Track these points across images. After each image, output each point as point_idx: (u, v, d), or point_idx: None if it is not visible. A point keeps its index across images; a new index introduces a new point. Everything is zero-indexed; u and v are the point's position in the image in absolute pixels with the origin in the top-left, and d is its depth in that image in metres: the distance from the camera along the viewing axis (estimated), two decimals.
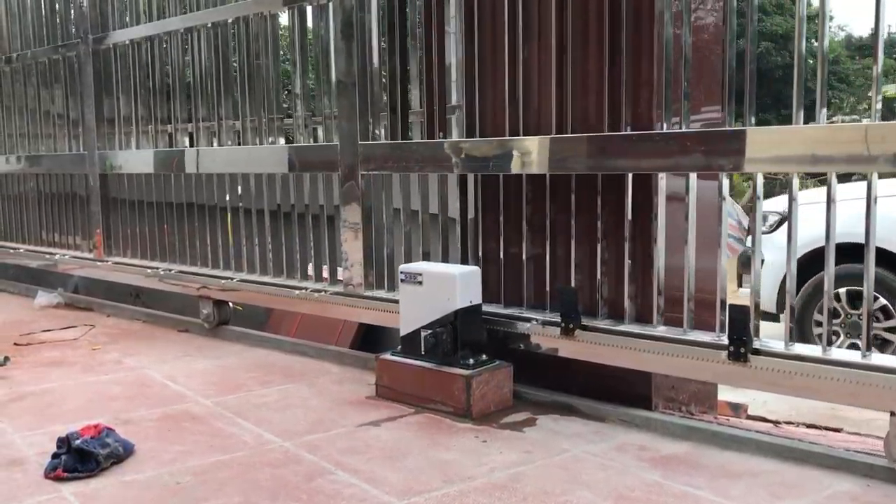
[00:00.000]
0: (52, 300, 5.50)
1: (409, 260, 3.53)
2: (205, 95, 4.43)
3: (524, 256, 3.13)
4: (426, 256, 3.46)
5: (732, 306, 2.58)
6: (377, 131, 3.59)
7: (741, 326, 2.51)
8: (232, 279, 4.31)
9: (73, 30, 5.34)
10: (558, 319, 2.92)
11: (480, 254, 3.30)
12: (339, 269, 3.79)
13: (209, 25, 4.32)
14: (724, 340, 2.55)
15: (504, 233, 3.20)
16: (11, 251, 6.20)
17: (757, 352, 2.49)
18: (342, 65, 3.58)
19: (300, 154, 3.90)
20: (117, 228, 5.18)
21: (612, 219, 2.90)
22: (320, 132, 3.96)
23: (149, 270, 4.80)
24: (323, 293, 3.83)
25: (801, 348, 2.49)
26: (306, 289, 3.91)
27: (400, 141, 3.50)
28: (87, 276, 5.50)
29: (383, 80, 3.59)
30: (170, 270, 4.68)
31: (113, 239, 5.20)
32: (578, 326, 2.87)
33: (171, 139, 4.79)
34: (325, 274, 3.95)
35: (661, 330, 2.77)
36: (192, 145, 4.63)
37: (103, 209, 5.19)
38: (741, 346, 2.50)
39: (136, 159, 4.90)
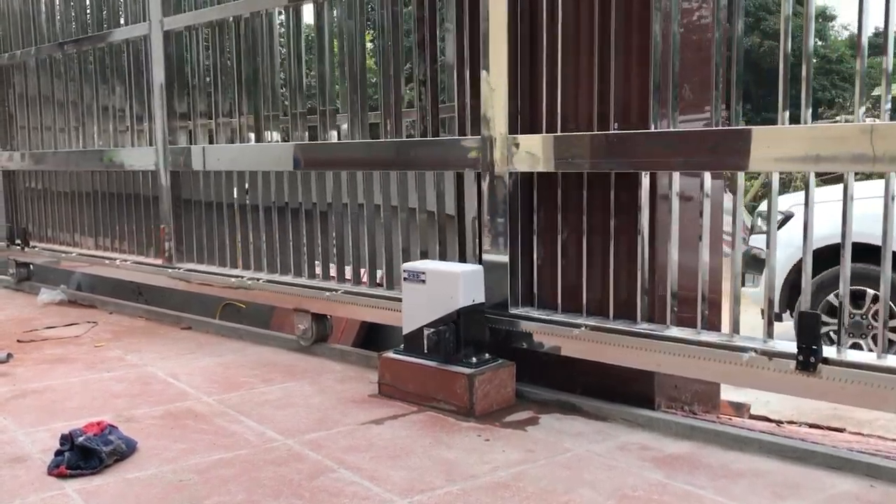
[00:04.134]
0: (55, 297, 5.50)
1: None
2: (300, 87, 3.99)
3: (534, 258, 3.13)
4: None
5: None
6: None
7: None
8: (336, 290, 3.80)
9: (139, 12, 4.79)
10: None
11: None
12: None
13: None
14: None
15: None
16: (64, 255, 5.69)
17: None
18: None
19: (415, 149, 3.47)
20: (190, 231, 4.69)
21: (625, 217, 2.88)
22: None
23: (233, 280, 4.30)
24: None
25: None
26: None
27: None
28: (157, 284, 4.93)
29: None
30: (257, 280, 4.21)
31: (185, 244, 4.72)
32: (821, 360, 2.37)
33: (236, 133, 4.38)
34: None
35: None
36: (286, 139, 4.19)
37: (174, 210, 4.71)
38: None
39: (221, 154, 4.39)
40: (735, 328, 2.64)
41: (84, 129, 5.45)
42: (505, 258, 3.13)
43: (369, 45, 3.80)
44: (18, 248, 6.17)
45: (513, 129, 3.06)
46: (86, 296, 5.62)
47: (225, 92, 4.39)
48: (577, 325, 2.91)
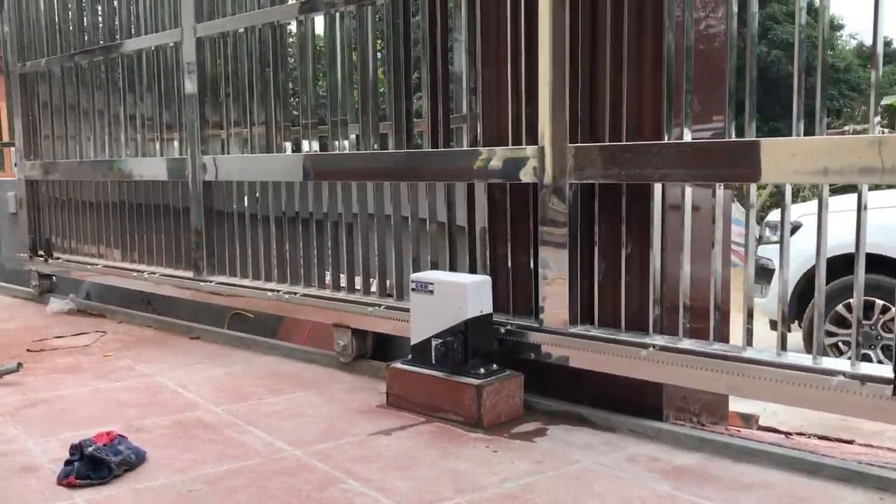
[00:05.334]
0: (64, 306, 5.53)
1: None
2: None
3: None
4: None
5: None
6: None
7: None
8: (379, 306, 3.64)
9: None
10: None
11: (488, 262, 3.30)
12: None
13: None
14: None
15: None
16: (89, 267, 5.56)
17: None
18: None
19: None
20: (222, 243, 4.56)
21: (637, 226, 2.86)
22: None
23: (269, 294, 4.16)
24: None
25: None
26: (510, 323, 3.17)
27: None
28: (188, 298, 4.80)
29: None
30: (294, 294, 4.05)
31: (217, 256, 4.58)
32: None
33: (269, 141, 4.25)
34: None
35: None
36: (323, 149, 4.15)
37: (206, 221, 4.57)
38: None
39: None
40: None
41: (110, 138, 5.35)
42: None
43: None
44: (42, 259, 6.04)
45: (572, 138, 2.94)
46: (95, 305, 5.64)
47: (262, 100, 4.24)
48: (645, 346, 2.74)
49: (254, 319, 5.13)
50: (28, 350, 4.33)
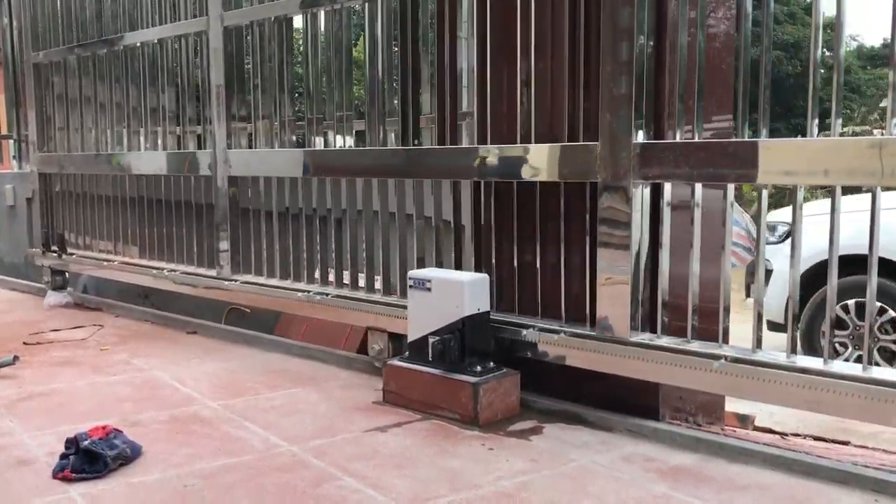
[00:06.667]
0: (61, 300, 5.52)
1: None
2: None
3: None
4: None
5: None
6: None
7: None
8: None
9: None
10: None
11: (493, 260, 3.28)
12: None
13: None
14: None
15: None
16: (105, 264, 5.35)
17: None
18: None
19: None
20: (248, 241, 4.38)
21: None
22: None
23: (299, 294, 3.95)
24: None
25: None
26: (562, 331, 2.97)
27: None
28: (211, 298, 4.64)
29: None
30: (325, 294, 3.87)
31: (242, 254, 4.40)
32: None
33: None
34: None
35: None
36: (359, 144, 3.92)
37: (231, 218, 4.39)
38: None
39: (281, 161, 4.10)
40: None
41: (128, 130, 5.14)
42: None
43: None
44: (55, 255, 5.81)
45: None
46: (92, 298, 5.64)
47: (291, 93, 4.12)
48: (716, 357, 2.57)
49: (251, 315, 5.13)
50: (25, 343, 4.32)
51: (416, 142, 3.53)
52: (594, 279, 2.89)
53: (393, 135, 3.71)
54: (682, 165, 2.63)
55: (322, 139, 4.00)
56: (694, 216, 2.72)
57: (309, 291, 3.92)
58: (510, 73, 3.15)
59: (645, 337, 2.78)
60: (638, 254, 2.78)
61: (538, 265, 3.14)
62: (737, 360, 2.53)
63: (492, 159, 3.14)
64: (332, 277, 3.94)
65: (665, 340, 2.74)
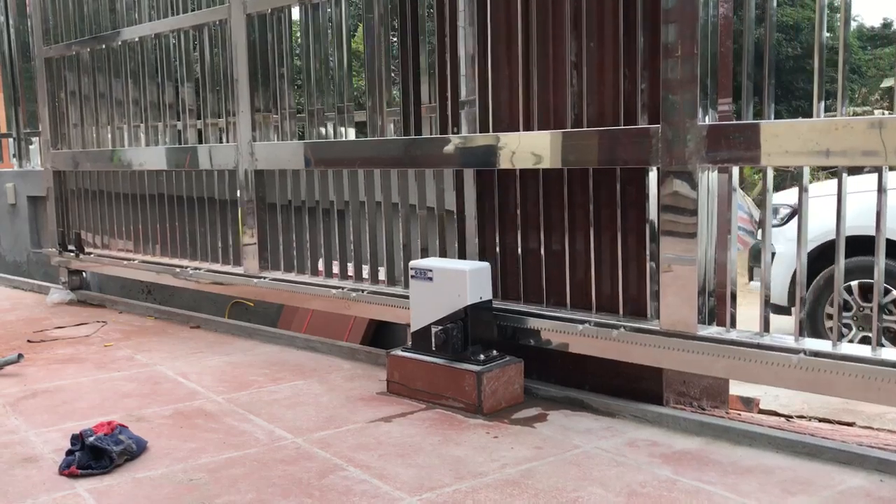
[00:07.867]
0: (64, 297, 5.53)
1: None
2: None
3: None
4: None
5: None
6: None
7: None
8: None
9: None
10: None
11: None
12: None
13: None
14: None
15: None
16: (125, 263, 5.22)
17: None
18: None
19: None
20: (275, 238, 4.24)
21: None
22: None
23: (333, 291, 3.80)
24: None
25: None
26: (621, 327, 2.82)
27: None
28: (241, 296, 4.58)
29: None
30: (361, 291, 3.72)
31: (271, 251, 4.27)
32: None
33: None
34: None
35: None
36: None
37: (258, 213, 4.25)
38: None
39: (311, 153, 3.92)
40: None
41: (146, 124, 5.00)
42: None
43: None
44: (73, 254, 5.67)
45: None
46: (95, 295, 5.64)
47: (318, 84, 3.94)
48: (794, 351, 2.44)
49: (254, 308, 5.14)
50: (29, 341, 4.33)
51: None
52: (647, 270, 2.83)
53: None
54: (753, 149, 2.47)
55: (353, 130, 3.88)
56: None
57: (343, 288, 3.80)
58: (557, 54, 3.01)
59: (713, 331, 2.65)
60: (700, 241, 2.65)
61: (542, 253, 3.15)
62: (816, 354, 2.40)
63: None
64: (355, 272, 3.84)
65: (735, 334, 2.61)
